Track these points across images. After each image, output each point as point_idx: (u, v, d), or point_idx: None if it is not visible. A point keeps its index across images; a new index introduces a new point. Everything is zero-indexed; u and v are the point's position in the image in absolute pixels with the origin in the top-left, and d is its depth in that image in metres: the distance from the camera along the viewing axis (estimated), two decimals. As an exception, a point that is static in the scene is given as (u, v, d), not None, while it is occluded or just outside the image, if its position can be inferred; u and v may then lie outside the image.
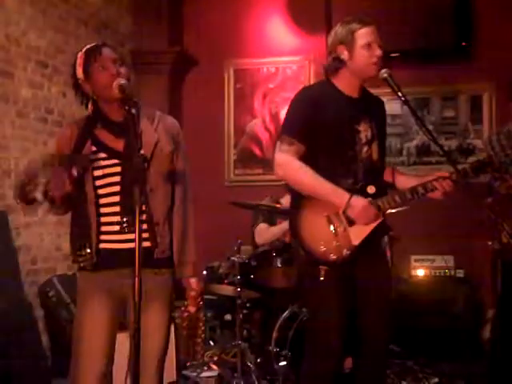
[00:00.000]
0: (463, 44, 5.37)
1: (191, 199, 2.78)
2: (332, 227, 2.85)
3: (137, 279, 2.19)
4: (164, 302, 2.57)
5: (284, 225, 4.25)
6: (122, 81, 2.43)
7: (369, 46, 2.86)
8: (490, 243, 3.35)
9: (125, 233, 2.47)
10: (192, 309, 2.66)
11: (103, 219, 2.50)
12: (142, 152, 2.29)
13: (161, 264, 2.55)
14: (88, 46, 2.56)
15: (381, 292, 2.97)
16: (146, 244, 2.30)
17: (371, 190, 2.87)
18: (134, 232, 2.26)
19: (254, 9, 6.07)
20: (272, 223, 4.55)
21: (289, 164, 2.86)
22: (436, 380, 4.22)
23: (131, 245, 2.37)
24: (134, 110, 2.36)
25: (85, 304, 2.54)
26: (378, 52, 2.88)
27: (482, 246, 3.49)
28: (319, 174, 2.85)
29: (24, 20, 4.47)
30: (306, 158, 2.88)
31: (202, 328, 2.72)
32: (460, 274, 5.00)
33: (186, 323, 2.70)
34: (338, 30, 2.94)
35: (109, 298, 2.52)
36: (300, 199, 2.92)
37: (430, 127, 5.47)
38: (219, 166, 6.01)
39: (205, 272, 4.82)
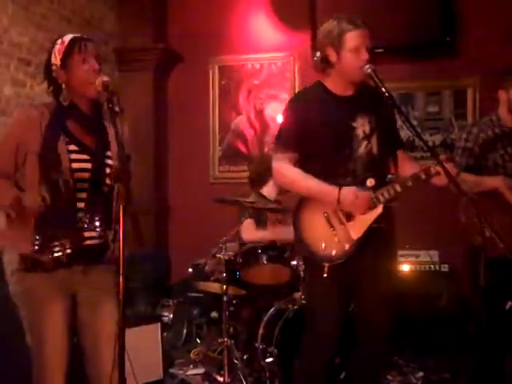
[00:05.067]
0: (447, 39, 5.38)
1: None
2: (331, 225, 2.91)
3: (121, 278, 2.20)
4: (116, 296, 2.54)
5: (275, 230, 4.28)
6: (106, 78, 2.42)
7: (357, 49, 2.88)
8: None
9: (85, 231, 2.45)
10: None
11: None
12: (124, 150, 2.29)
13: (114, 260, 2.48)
14: (73, 36, 2.52)
15: (384, 285, 3.00)
16: (101, 241, 2.41)
17: (371, 183, 2.91)
18: (91, 230, 2.28)
19: (238, 5, 6.06)
20: (258, 219, 4.56)
21: (282, 171, 3.01)
22: (421, 374, 4.25)
23: (88, 242, 2.43)
24: (117, 108, 2.36)
25: (42, 305, 2.49)
26: (365, 56, 2.89)
27: (466, 240, 3.49)
28: (318, 176, 2.92)
29: (6, 17, 4.44)
30: (304, 163, 2.99)
31: None
32: (445, 268, 5.02)
33: None
34: (329, 27, 2.95)
35: (64, 297, 2.51)
36: (300, 201, 3.03)
37: (415, 122, 5.50)
38: (204, 163, 6.01)
39: (191, 269, 4.82)
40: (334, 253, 2.88)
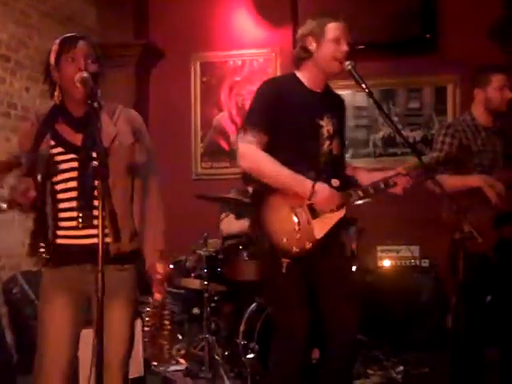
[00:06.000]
0: (428, 36, 5.42)
1: (159, 190, 2.76)
2: (295, 220, 2.85)
3: (100, 275, 2.18)
4: (128, 298, 2.56)
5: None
6: (84, 74, 2.40)
7: (337, 40, 2.89)
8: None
9: (83, 228, 2.44)
10: (158, 296, 2.60)
11: (61, 215, 2.47)
12: (102, 145, 2.29)
13: (123, 259, 2.52)
14: (66, 35, 2.53)
15: (344, 282, 2.99)
16: (107, 240, 2.32)
17: (335, 183, 2.90)
18: (90, 227, 2.24)
19: (220, 1, 6.06)
20: (239, 216, 4.56)
21: (253, 155, 2.85)
22: (401, 368, 4.28)
23: (91, 240, 2.39)
24: (96, 104, 2.35)
25: (47, 300, 2.52)
26: (345, 48, 2.90)
27: (446, 235, 3.53)
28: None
29: (-16, 13, 4.41)
30: (269, 150, 2.86)
31: (168, 326, 2.66)
32: (425, 263, 5.07)
33: (151, 320, 2.66)
34: (309, 22, 2.96)
35: (71, 295, 2.50)
36: (264, 192, 2.91)
37: (396, 119, 5.54)
38: (186, 160, 6.00)
39: (172, 266, 4.81)
40: (294, 249, 2.83)
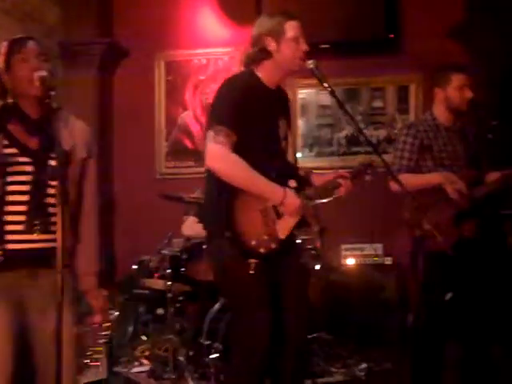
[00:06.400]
0: (391, 36, 5.46)
1: (97, 209, 2.73)
2: (264, 221, 2.85)
3: (59, 278, 2.17)
4: (68, 301, 2.49)
5: None
6: (43, 73, 2.38)
7: (297, 39, 2.88)
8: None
9: (29, 233, 2.40)
10: (98, 318, 2.64)
11: (8, 218, 2.41)
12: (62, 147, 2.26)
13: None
14: (14, 37, 2.50)
15: (299, 282, 3.02)
16: (50, 245, 2.32)
17: (292, 184, 2.90)
18: (42, 233, 2.22)
19: (185, 0, 6.03)
20: (202, 216, 4.54)
21: (225, 157, 2.76)
22: (364, 365, 4.31)
23: (34, 245, 2.39)
24: (55, 105, 2.32)
25: None
26: (305, 47, 2.89)
27: (408, 233, 3.56)
28: None
29: None
30: (235, 150, 2.79)
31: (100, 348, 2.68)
32: (388, 261, 5.10)
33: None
34: (265, 21, 2.92)
35: (9, 301, 2.44)
36: (232, 193, 2.84)
37: (359, 118, 5.57)
38: (150, 159, 5.96)
39: (135, 266, 4.79)
40: (261, 250, 2.82)
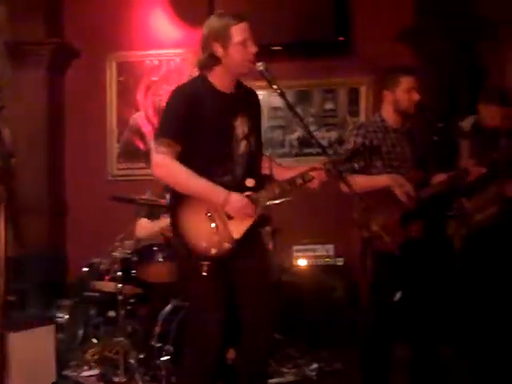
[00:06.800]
0: (341, 39, 5.51)
1: None
2: (212, 222, 2.87)
3: (2, 279, 2.14)
4: None
5: (163, 221, 4.22)
6: None
7: (244, 42, 2.87)
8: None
9: None
10: None
11: None
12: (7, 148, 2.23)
13: None
14: None
15: (262, 283, 3.03)
16: None
17: (250, 183, 2.91)
18: None
19: (137, 1, 5.99)
20: (154, 217, 4.52)
21: (166, 166, 2.86)
22: (315, 366, 4.34)
23: None
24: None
25: None
26: (254, 49, 2.88)
27: (358, 234, 3.60)
28: (197, 174, 2.86)
29: None
30: (184, 158, 2.88)
31: None
32: (340, 262, 5.15)
33: None
34: (212, 23, 2.92)
35: None
36: (180, 197, 2.92)
37: (311, 119, 5.62)
38: (102, 160, 5.91)
39: (86, 269, 4.73)
40: (213, 251, 2.85)
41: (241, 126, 2.96)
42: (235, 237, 2.88)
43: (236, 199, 2.84)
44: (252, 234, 2.95)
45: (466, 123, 4.36)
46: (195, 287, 2.96)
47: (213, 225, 2.87)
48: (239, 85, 3.04)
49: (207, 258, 2.85)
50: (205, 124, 2.88)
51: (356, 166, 3.35)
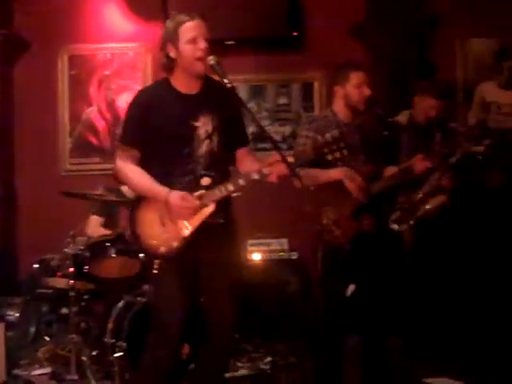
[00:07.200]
0: (294, 34, 5.53)
1: None
2: (162, 221, 2.94)
3: None
4: None
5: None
6: None
7: (193, 40, 2.90)
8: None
9: None
10: None
11: None
12: None
13: None
14: None
15: (226, 275, 3.06)
16: None
17: (205, 182, 2.95)
18: None
19: (90, -7, 5.92)
20: (106, 213, 4.49)
21: (123, 169, 3.03)
22: (269, 359, 4.37)
23: None
24: None
25: None
26: (203, 45, 2.90)
27: (310, 227, 3.62)
28: (158, 175, 2.94)
29: None
30: (146, 161, 3.00)
31: None
32: (294, 256, 5.18)
33: None
34: (166, 25, 2.99)
35: None
36: (140, 196, 3.05)
37: (265, 114, 5.64)
38: (54, 156, 5.81)
39: (37, 265, 4.66)
40: (162, 250, 2.92)
41: (203, 126, 2.98)
42: (183, 235, 2.92)
43: (174, 198, 2.88)
44: (213, 228, 2.97)
45: (403, 117, 4.46)
46: (155, 283, 3.09)
47: (162, 222, 2.93)
48: (207, 83, 3.05)
49: (158, 256, 2.94)
50: (163, 127, 2.94)
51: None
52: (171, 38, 2.92)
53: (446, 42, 5.55)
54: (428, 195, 4.04)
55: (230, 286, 3.07)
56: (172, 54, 2.93)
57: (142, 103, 3.00)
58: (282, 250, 5.20)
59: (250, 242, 5.28)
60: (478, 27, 5.51)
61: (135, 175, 3.00)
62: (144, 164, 3.01)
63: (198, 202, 2.90)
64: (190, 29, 2.90)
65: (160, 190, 2.92)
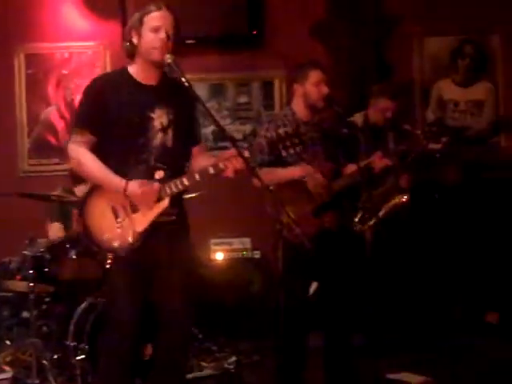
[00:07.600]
0: (254, 32, 5.54)
1: None
2: (116, 215, 2.90)
3: None
4: None
5: None
6: None
7: (156, 29, 2.89)
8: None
9: None
10: None
11: None
12: None
13: None
14: None
15: (179, 274, 3.02)
16: None
17: (159, 175, 2.92)
18: None
19: (46, -9, 5.83)
20: (64, 217, 4.45)
21: (78, 155, 2.94)
22: (234, 358, 4.37)
23: None
24: None
25: None
26: (162, 35, 2.89)
27: (271, 226, 3.63)
28: (112, 163, 2.89)
29: None
30: (100, 148, 2.93)
31: None
32: (257, 255, 5.20)
33: None
34: (135, 14, 2.98)
35: None
36: (92, 188, 2.98)
37: (226, 113, 5.64)
38: (12, 156, 5.71)
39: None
40: (116, 244, 2.88)
41: (159, 118, 2.96)
42: (138, 230, 2.89)
43: (134, 185, 2.85)
44: (166, 224, 2.94)
45: (358, 118, 4.53)
46: (108, 279, 3.03)
47: (115, 216, 2.89)
48: (165, 78, 3.04)
49: (111, 251, 2.90)
50: (119, 114, 2.91)
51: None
52: (136, 24, 2.93)
53: (403, 42, 5.64)
54: (388, 195, 4.10)
55: (182, 284, 3.03)
56: (134, 39, 2.94)
57: (97, 88, 2.97)
58: (245, 249, 5.21)
59: (213, 241, 5.28)
60: (435, 26, 5.60)
61: (88, 160, 2.92)
62: (98, 152, 2.94)
63: (158, 185, 2.87)
64: (154, 18, 2.90)
65: (116, 178, 2.88)
